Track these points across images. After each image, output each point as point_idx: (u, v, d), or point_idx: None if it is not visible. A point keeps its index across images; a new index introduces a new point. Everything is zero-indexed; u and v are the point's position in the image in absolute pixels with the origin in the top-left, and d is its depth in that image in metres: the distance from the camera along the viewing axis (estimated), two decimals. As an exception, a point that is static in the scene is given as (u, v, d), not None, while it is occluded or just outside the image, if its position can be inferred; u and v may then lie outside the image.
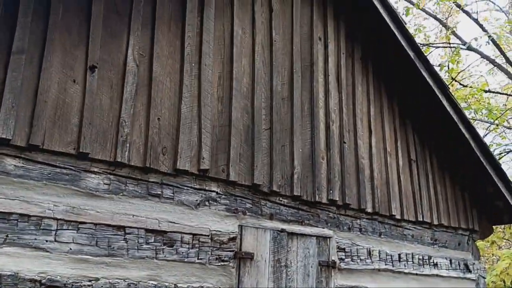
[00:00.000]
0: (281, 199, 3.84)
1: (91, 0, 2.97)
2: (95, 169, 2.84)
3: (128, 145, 2.96)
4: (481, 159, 5.15)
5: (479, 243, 10.60)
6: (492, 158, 5.29)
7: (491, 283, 9.94)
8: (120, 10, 3.13)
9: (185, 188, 3.22)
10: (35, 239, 2.56)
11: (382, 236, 4.54)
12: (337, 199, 4.17)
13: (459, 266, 5.22)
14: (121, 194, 2.92)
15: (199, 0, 3.56)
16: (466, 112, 12.36)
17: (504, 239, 13.47)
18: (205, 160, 3.30)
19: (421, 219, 4.87)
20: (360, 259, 4.28)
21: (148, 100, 3.13)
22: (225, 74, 3.64)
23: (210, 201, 3.34)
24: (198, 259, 3.18)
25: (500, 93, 13.57)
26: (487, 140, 13.17)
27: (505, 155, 12.93)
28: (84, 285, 2.68)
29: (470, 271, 5.31)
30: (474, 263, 5.41)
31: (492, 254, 14.34)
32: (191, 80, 3.37)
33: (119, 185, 2.92)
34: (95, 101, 2.88)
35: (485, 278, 5.49)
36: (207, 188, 3.34)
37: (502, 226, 11.05)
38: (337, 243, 4.14)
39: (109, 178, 2.89)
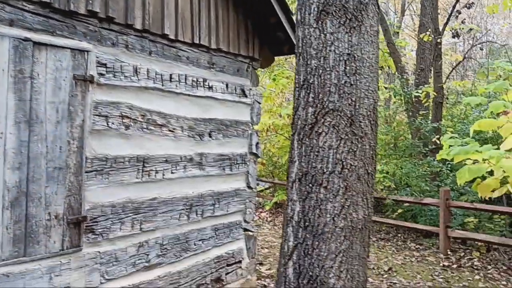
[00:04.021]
0: (24, 4, 3.43)
1: None
2: None
3: None
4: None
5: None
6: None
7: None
8: None
9: None
10: None
11: (152, 55, 4.46)
12: (98, 11, 3.88)
13: (236, 90, 5.51)
14: None
15: None
16: None
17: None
18: None
19: (198, 42, 4.89)
20: (125, 76, 4.21)
21: None
22: None
23: None
24: None
25: None
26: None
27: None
28: None
29: (246, 96, 5.66)
30: (251, 89, 5.76)
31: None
32: None
33: None
34: None
35: (260, 103, 5.93)
36: None
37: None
38: (98, 57, 3.96)
39: None
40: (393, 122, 13.12)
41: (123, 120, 4.22)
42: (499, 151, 5.69)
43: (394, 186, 10.12)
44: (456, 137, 6.42)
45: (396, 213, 10.13)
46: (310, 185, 2.76)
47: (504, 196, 7.79)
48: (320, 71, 2.70)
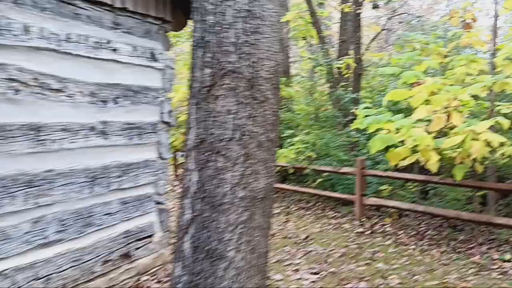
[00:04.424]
0: None
1: None
2: None
3: None
4: None
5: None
6: None
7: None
8: None
9: None
10: None
11: (46, 12, 4.02)
12: (-25, -43, 3.40)
13: (145, 54, 5.15)
14: None
15: None
16: None
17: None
18: None
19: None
20: (13, 35, 3.75)
21: None
22: None
23: None
24: None
25: None
26: None
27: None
28: None
29: (156, 60, 5.32)
30: (162, 53, 5.42)
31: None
32: None
33: None
34: None
35: (173, 68, 5.62)
36: None
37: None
38: (-22, 12, 3.50)
39: None
40: (315, 92, 13.21)
41: (12, 84, 3.78)
42: (410, 120, 5.80)
43: (315, 156, 10.21)
44: (370, 107, 6.50)
45: (316, 183, 10.27)
46: (208, 153, 2.56)
47: (416, 165, 8.06)
48: (218, 28, 2.47)
